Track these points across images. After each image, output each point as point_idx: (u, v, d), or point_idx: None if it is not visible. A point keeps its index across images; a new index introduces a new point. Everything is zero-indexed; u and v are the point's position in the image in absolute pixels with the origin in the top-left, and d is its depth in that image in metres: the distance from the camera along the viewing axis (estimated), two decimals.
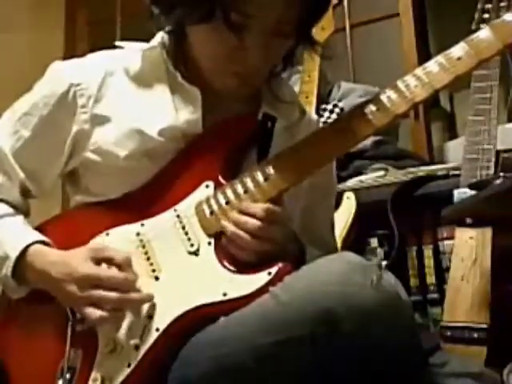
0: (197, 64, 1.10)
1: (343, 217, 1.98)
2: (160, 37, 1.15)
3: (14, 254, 1.07)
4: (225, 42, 1.02)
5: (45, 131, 1.14)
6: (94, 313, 0.99)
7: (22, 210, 1.18)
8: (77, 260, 1.03)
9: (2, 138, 1.16)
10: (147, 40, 1.17)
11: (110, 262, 1.02)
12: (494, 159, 1.60)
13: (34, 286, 1.09)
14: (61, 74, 1.14)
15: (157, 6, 1.07)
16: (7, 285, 1.10)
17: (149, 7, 1.09)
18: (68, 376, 1.01)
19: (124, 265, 1.02)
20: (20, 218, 1.16)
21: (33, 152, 1.15)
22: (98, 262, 1.02)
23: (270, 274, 0.95)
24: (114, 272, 1.01)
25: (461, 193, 1.58)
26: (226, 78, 1.07)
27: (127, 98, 1.13)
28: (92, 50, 1.20)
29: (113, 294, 0.99)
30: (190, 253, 1.03)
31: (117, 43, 1.19)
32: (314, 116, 1.33)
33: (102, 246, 1.05)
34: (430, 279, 1.70)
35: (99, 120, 1.11)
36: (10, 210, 1.16)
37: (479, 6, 1.69)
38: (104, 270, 1.02)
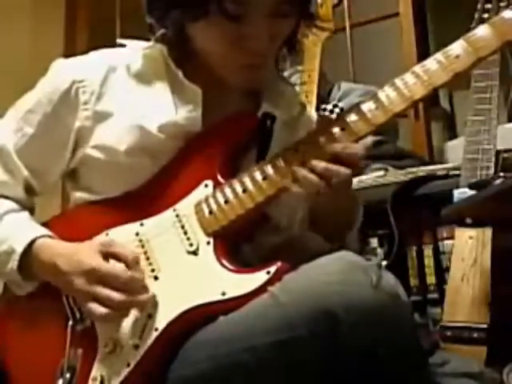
0: (203, 60, 1.10)
1: None
2: (161, 35, 1.15)
3: (19, 248, 1.07)
4: (226, 34, 1.02)
5: (48, 128, 1.14)
6: (98, 309, 0.99)
7: (26, 206, 1.18)
8: (85, 253, 1.03)
9: (5, 135, 1.16)
10: (147, 40, 1.17)
11: (117, 257, 1.02)
12: (494, 159, 1.60)
13: (41, 280, 1.09)
14: (64, 71, 1.15)
15: (152, 14, 1.08)
16: (13, 279, 1.10)
17: (146, 18, 1.09)
18: (68, 375, 1.01)
19: (131, 263, 1.02)
20: (25, 213, 1.16)
21: (36, 149, 1.15)
22: (106, 256, 1.02)
23: (268, 273, 0.95)
24: (121, 270, 1.01)
25: (461, 193, 1.58)
26: (237, 72, 1.07)
27: (128, 94, 1.13)
28: (92, 50, 1.20)
29: (118, 295, 0.99)
30: (189, 252, 1.03)
31: (119, 41, 1.20)
32: (314, 113, 1.33)
33: (111, 241, 1.05)
34: (430, 279, 1.69)
35: (101, 116, 1.11)
36: (15, 206, 1.16)
37: (479, 6, 1.68)
38: (112, 267, 1.01)
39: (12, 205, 1.16)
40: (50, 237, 1.10)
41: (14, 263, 1.07)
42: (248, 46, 1.02)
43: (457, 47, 0.99)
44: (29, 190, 1.18)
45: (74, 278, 1.02)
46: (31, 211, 1.19)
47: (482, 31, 1.00)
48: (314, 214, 1.09)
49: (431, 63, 0.99)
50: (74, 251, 1.04)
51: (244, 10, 0.99)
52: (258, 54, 1.04)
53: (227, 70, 1.08)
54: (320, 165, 0.97)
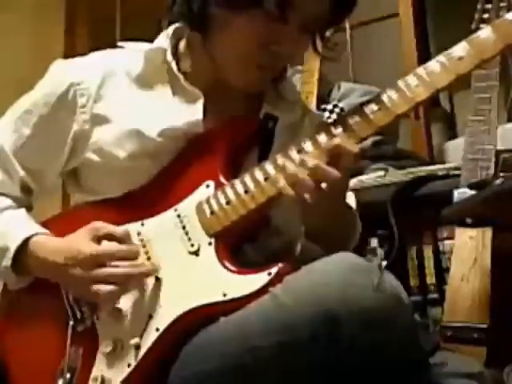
0: (211, 61, 1.09)
1: None
2: (164, 38, 1.14)
3: (13, 246, 1.08)
4: (262, 33, 1.03)
5: (45, 130, 1.14)
6: (103, 288, 0.99)
7: (24, 204, 1.18)
8: (78, 242, 1.04)
9: (3, 135, 1.16)
10: (147, 40, 1.17)
11: (110, 238, 1.03)
12: (494, 159, 1.60)
13: (36, 276, 1.10)
14: (62, 73, 1.15)
15: None
16: (7, 276, 1.11)
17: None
18: (68, 375, 1.01)
19: (124, 238, 1.04)
20: (22, 211, 1.16)
21: (33, 150, 1.15)
22: (98, 240, 1.03)
23: (270, 274, 0.95)
24: (116, 246, 1.02)
25: (461, 193, 1.58)
26: (250, 72, 1.07)
27: (128, 98, 1.13)
28: (92, 50, 1.20)
29: (119, 269, 1.00)
30: (191, 253, 1.03)
31: (118, 43, 1.19)
32: (317, 112, 1.33)
33: (99, 225, 1.05)
34: (430, 279, 1.69)
35: (99, 120, 1.11)
36: (13, 204, 1.16)
37: (479, 6, 1.68)
38: (106, 247, 1.03)
39: (9, 202, 1.16)
40: (44, 234, 1.10)
41: (7, 261, 1.08)
42: (276, 49, 1.04)
43: (459, 49, 0.99)
44: (25, 189, 1.18)
45: (70, 269, 1.02)
46: (29, 209, 1.20)
47: (484, 33, 0.99)
48: (308, 226, 1.07)
49: (434, 65, 0.99)
50: (68, 243, 1.05)
51: (292, 15, 1.01)
52: (281, 58, 1.06)
53: (237, 70, 1.08)
54: (319, 166, 0.97)
